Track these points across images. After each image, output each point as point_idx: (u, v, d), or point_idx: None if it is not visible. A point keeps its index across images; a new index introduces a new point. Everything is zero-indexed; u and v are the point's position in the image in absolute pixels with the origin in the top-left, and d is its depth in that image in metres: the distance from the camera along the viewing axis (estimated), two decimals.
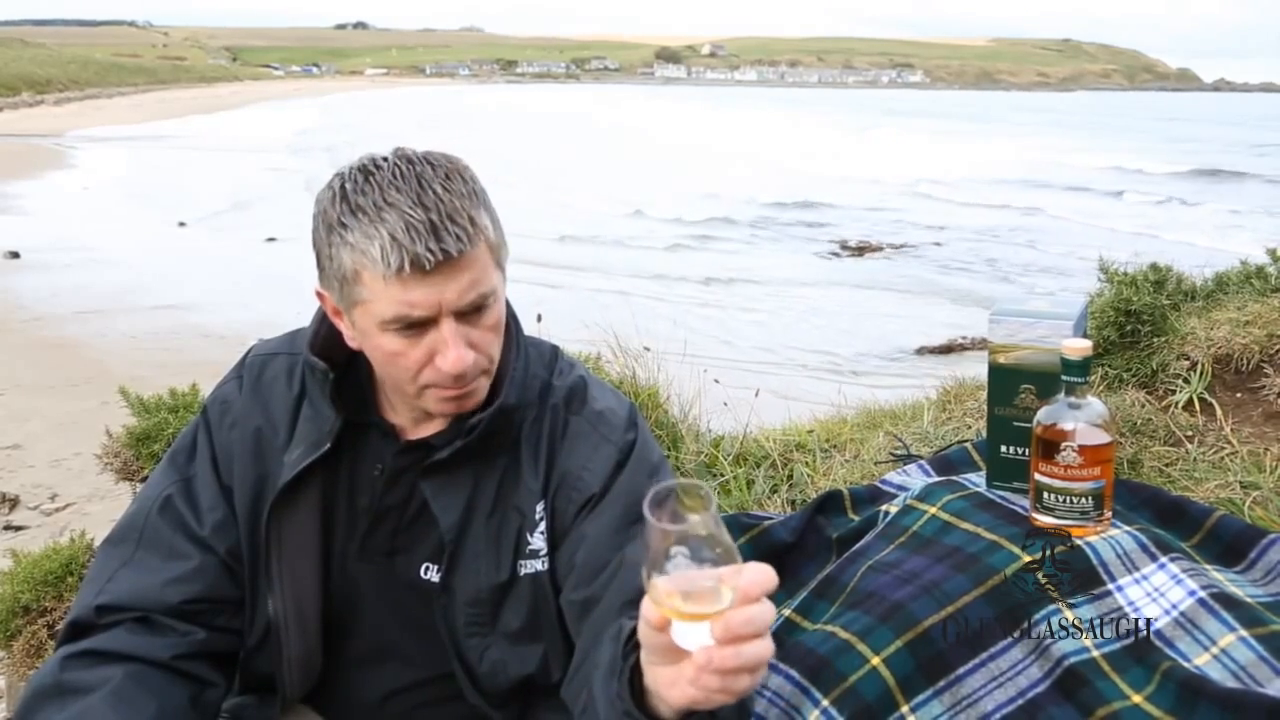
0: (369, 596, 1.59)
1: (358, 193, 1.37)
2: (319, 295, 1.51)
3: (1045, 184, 29.17)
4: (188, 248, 16.35)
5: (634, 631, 1.18)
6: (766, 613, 1.02)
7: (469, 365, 1.41)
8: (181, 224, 18.69)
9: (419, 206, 1.34)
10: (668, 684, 1.10)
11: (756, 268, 16.79)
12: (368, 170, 1.39)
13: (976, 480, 2.18)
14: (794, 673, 1.77)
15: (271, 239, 16.91)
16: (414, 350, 1.41)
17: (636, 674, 1.17)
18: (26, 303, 11.52)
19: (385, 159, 1.41)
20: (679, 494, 1.03)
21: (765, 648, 1.03)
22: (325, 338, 1.56)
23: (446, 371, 1.41)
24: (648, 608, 1.05)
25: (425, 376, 1.43)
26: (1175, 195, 26.51)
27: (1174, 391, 2.73)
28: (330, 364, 1.53)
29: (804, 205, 24.21)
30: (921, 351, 10.78)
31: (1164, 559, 1.87)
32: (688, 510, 1.02)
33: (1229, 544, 2.01)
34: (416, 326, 1.39)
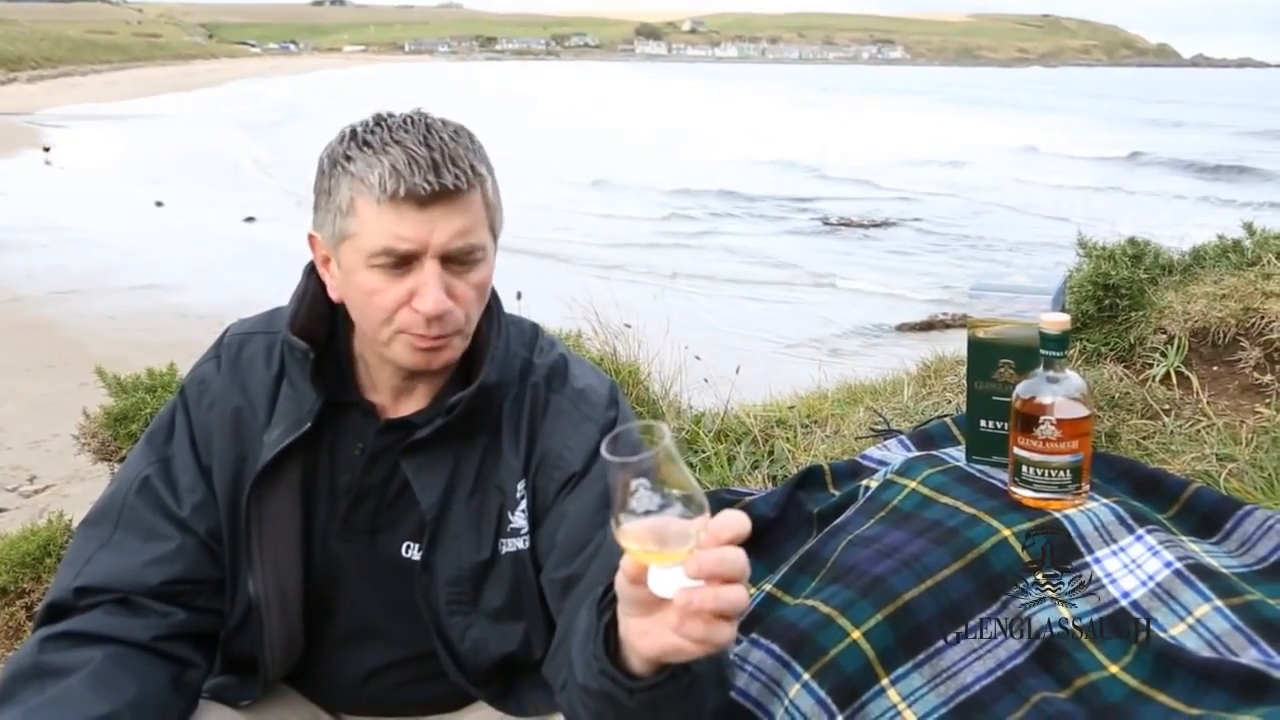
0: (350, 576, 1.59)
1: (367, 132, 1.41)
2: (310, 240, 1.51)
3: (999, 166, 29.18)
4: (165, 227, 16.20)
5: (607, 591, 1.19)
6: (739, 557, 1.02)
7: (446, 310, 1.41)
8: (159, 203, 18.52)
9: (424, 146, 1.38)
10: (639, 634, 1.10)
11: (738, 245, 16.79)
12: (379, 118, 1.44)
13: (956, 454, 2.20)
14: (775, 647, 1.78)
15: (250, 219, 16.79)
16: (393, 288, 1.41)
17: (611, 633, 1.18)
18: (2, 284, 11.40)
19: (398, 113, 1.45)
20: (631, 435, 1.04)
21: (740, 593, 1.03)
22: (305, 317, 1.55)
23: (423, 313, 1.41)
24: (625, 559, 1.06)
25: (400, 319, 1.43)
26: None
27: (1151, 365, 2.75)
28: (310, 343, 1.53)
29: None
30: (902, 328, 10.82)
31: (1141, 531, 1.89)
32: (644, 448, 1.03)
33: (1205, 515, 2.03)
34: (401, 265, 1.40)
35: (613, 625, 1.17)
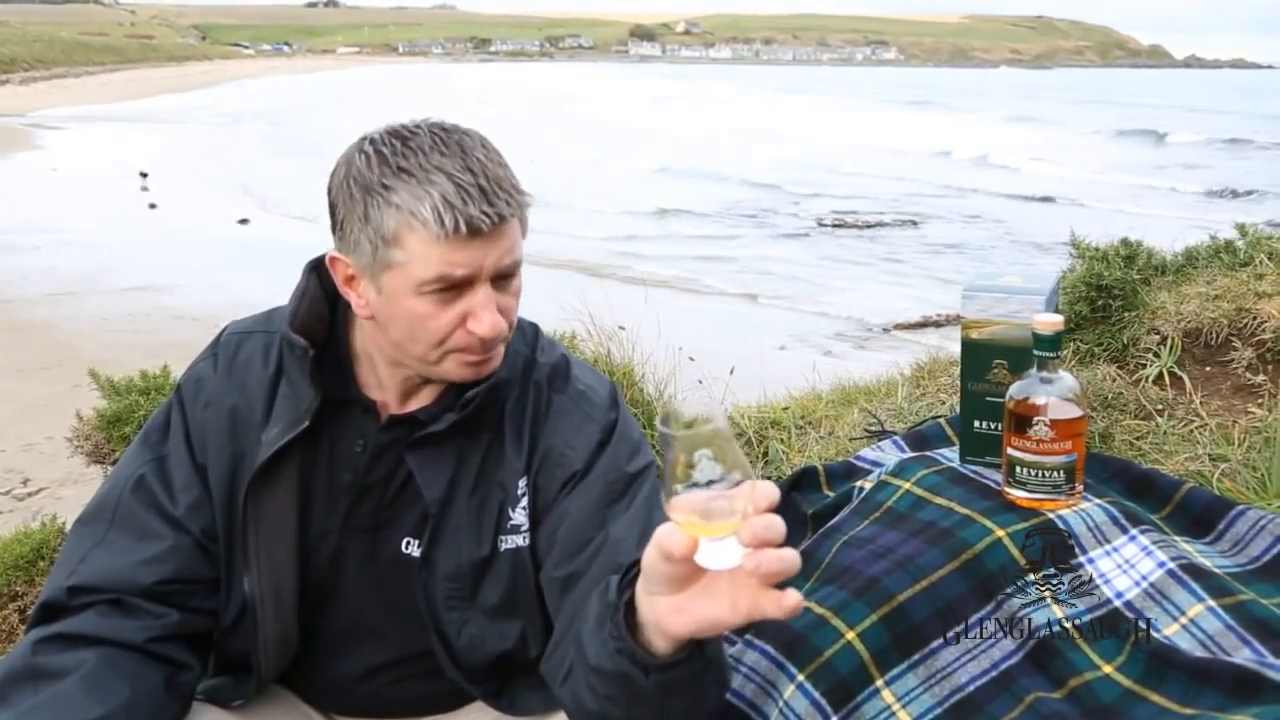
0: (349, 573, 1.59)
1: (399, 156, 1.38)
2: (332, 261, 1.49)
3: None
4: (159, 229, 16.17)
5: (628, 569, 1.20)
6: (781, 522, 1.04)
7: (502, 330, 1.43)
8: (152, 205, 18.49)
9: (467, 171, 1.36)
10: (672, 611, 1.11)
11: (732, 245, 16.80)
12: (403, 136, 1.40)
13: (950, 455, 2.20)
14: (769, 648, 1.78)
15: (244, 220, 16.76)
16: (446, 313, 1.41)
17: (629, 616, 1.18)
18: None
19: (419, 126, 1.42)
20: (683, 412, 1.05)
21: (796, 555, 1.05)
22: (305, 315, 1.54)
23: (481, 335, 1.42)
24: (669, 534, 1.06)
25: (454, 340, 1.44)
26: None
27: (1144, 365, 2.75)
28: (310, 341, 1.53)
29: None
30: (896, 328, 10.83)
31: (1134, 531, 1.89)
32: (697, 424, 1.04)
33: (1198, 515, 2.03)
34: (452, 289, 1.40)
35: (630, 607, 1.18)
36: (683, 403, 1.06)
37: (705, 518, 1.03)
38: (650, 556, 1.09)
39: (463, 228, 1.35)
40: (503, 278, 1.43)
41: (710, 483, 1.03)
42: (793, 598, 1.06)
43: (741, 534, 1.03)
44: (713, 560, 1.06)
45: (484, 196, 1.36)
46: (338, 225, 1.44)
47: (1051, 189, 24.23)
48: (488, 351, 1.46)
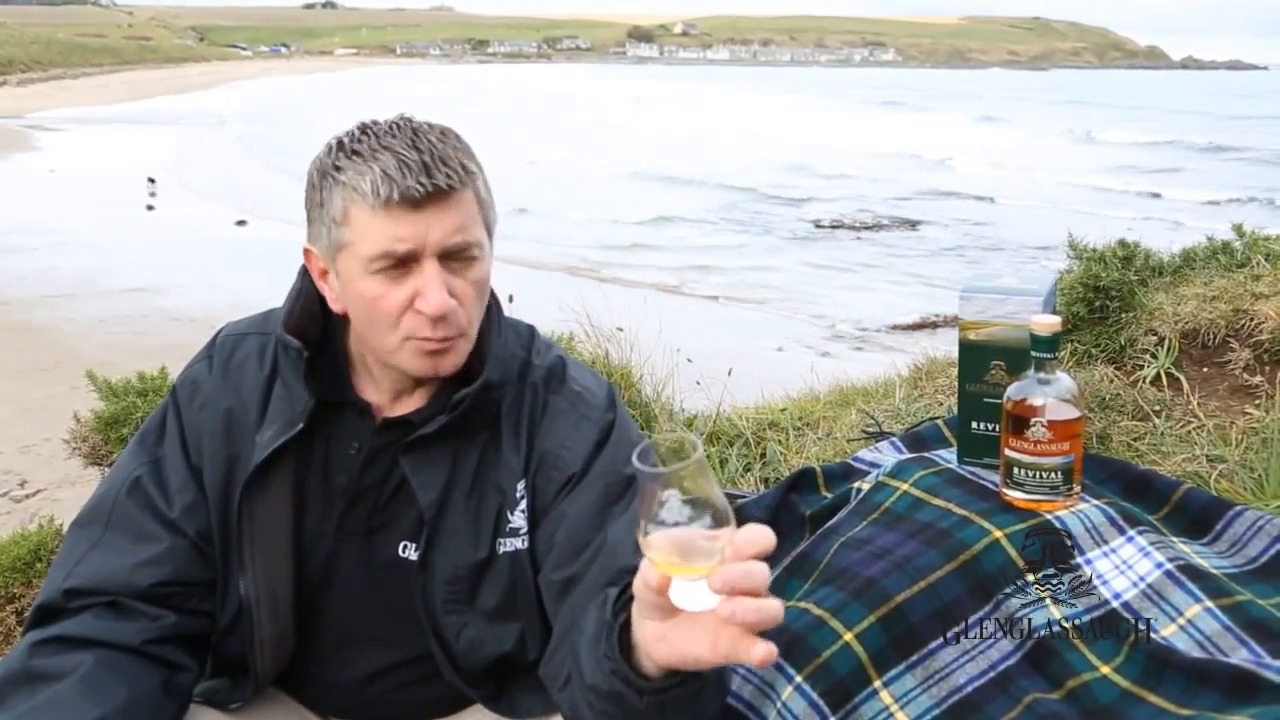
0: (345, 576, 1.59)
1: (354, 142, 1.42)
2: (306, 254, 1.51)
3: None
4: (156, 231, 16.16)
5: (621, 593, 1.20)
6: (764, 571, 1.02)
7: (450, 309, 1.42)
8: (150, 207, 18.48)
9: (413, 149, 1.39)
10: (655, 639, 1.11)
11: (730, 248, 16.80)
12: (364, 126, 1.44)
13: (948, 456, 2.20)
14: None
15: (241, 222, 16.75)
16: (395, 292, 1.41)
17: (624, 634, 1.18)
18: None
19: (382, 120, 1.45)
20: (661, 446, 1.04)
21: (779, 607, 1.03)
22: (300, 316, 1.55)
23: (428, 313, 1.41)
24: (647, 567, 1.06)
25: (406, 324, 1.43)
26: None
27: (1142, 366, 2.76)
28: (304, 343, 1.53)
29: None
30: (894, 329, 10.84)
31: (1132, 532, 1.89)
32: (675, 460, 1.03)
33: (1195, 516, 2.03)
34: (400, 267, 1.40)
35: (626, 625, 1.18)
36: (661, 436, 1.05)
37: (681, 557, 1.02)
38: (637, 582, 1.09)
39: (396, 196, 1.36)
40: (454, 258, 1.43)
41: (677, 524, 1.01)
42: (762, 650, 1.03)
43: (711, 580, 1.01)
44: (685, 600, 1.04)
45: (424, 170, 1.38)
46: (307, 216, 1.48)
47: (1015, 192, 24.17)
48: (441, 338, 1.44)
